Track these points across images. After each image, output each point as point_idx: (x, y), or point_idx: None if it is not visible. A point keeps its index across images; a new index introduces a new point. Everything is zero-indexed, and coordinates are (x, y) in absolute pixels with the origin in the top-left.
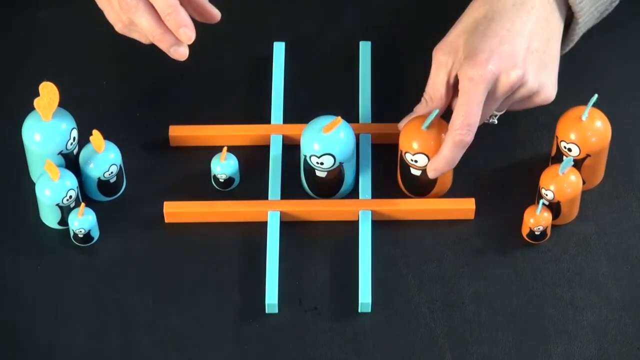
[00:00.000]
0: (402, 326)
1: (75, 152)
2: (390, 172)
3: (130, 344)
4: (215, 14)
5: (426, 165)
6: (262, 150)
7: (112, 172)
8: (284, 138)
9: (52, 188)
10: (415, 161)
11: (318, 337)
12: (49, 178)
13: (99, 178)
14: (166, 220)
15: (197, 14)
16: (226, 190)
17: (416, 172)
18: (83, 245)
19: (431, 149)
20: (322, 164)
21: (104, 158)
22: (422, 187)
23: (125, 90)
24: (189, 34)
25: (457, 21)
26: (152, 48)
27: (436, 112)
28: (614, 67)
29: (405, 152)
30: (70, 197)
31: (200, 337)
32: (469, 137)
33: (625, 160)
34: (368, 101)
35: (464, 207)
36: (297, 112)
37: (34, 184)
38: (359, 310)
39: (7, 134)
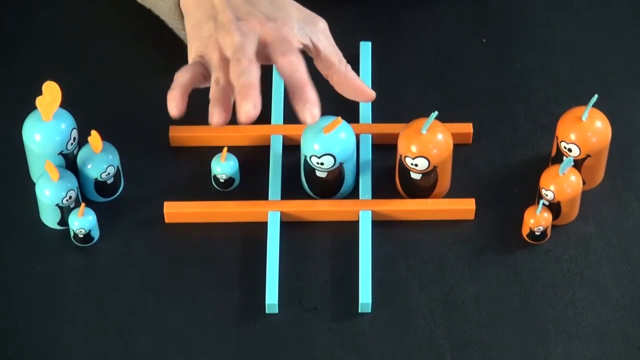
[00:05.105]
0: (402, 326)
1: (75, 152)
2: (390, 173)
3: (130, 344)
4: (369, 93)
5: (427, 169)
6: (262, 151)
7: (109, 173)
8: (284, 138)
9: (52, 188)
10: (416, 165)
11: (318, 337)
12: (49, 178)
13: (95, 179)
14: (166, 220)
15: (350, 92)
16: (226, 191)
17: (416, 176)
18: (83, 246)
19: (431, 152)
20: (322, 164)
21: (102, 159)
22: (421, 191)
23: (126, 90)
24: (315, 113)
25: None
26: (153, 48)
27: (435, 114)
28: (614, 67)
29: (405, 157)
30: (70, 197)
31: (200, 337)
32: None
33: (625, 160)
34: None
35: (464, 207)
36: None
37: (34, 184)
38: (359, 311)
39: (7, 134)
